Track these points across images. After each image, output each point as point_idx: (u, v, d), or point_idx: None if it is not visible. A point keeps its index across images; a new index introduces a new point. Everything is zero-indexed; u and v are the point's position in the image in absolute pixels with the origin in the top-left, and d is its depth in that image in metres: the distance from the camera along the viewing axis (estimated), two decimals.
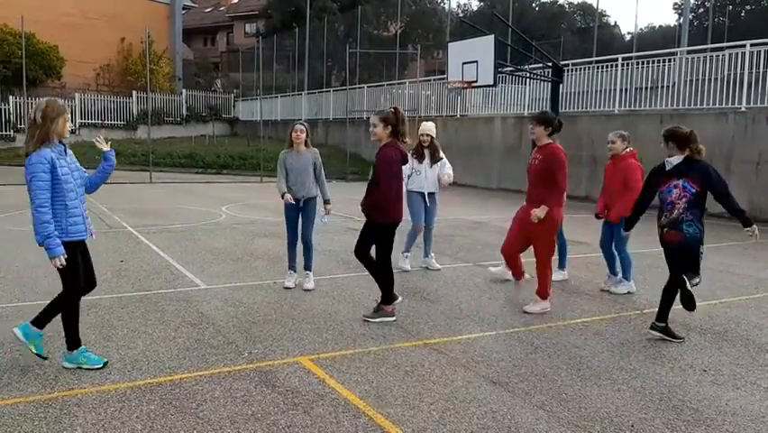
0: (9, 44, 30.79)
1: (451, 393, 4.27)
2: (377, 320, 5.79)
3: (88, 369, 4.48)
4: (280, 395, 4.17)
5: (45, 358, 4.57)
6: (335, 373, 4.56)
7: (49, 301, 4.62)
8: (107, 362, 4.61)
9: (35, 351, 4.51)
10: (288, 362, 4.78)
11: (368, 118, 6.69)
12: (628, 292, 7.15)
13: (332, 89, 32.45)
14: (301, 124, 7.07)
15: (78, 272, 4.51)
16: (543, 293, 6.36)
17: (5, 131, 29.59)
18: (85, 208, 4.59)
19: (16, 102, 29.36)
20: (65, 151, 4.50)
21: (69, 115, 4.55)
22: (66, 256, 4.34)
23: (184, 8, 44.47)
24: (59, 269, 4.38)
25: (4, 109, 29.73)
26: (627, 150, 7.12)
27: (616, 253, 7.21)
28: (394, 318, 5.84)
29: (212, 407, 3.97)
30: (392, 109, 5.82)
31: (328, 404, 4.04)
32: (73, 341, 4.59)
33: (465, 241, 10.58)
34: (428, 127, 8.18)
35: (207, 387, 4.27)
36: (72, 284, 4.51)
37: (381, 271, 5.88)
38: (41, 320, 4.55)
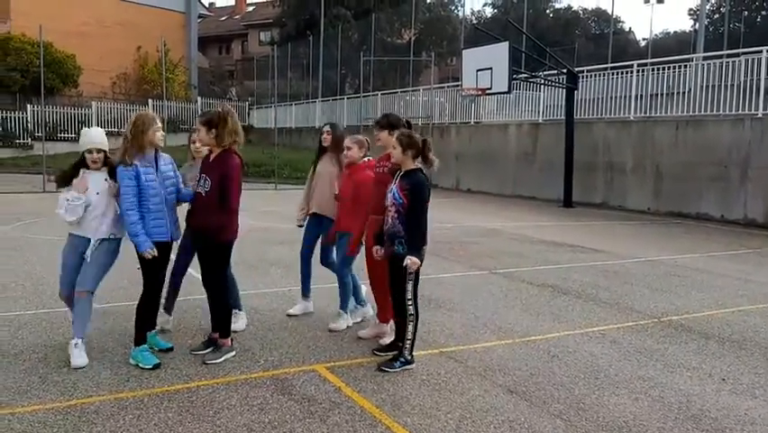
0: (27, 53, 31.19)
1: (467, 402, 4.26)
2: (221, 360, 4.90)
3: (143, 368, 4.70)
4: (297, 403, 4.17)
5: (170, 349, 5.07)
6: (351, 382, 4.55)
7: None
8: (159, 363, 4.78)
9: (158, 348, 5.01)
10: (304, 369, 4.78)
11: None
12: (348, 327, 5.82)
13: (345, 97, 32.53)
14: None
15: (158, 272, 4.87)
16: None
17: (24, 139, 29.92)
18: (174, 213, 5.00)
19: (34, 110, 29.66)
20: (155, 159, 4.85)
21: (159, 124, 4.89)
22: (153, 249, 4.70)
23: (199, 17, 44.82)
24: (143, 268, 4.79)
25: (22, 118, 30.06)
26: (366, 159, 5.82)
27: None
28: (234, 352, 5.07)
29: (229, 415, 3.98)
30: (219, 108, 4.99)
31: (344, 412, 4.04)
32: (139, 338, 4.87)
33: (480, 248, 10.55)
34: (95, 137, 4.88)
35: (224, 394, 4.28)
36: (151, 282, 4.85)
37: (227, 298, 5.16)
38: (151, 321, 5.04)
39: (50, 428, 3.73)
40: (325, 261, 6.23)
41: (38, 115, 28.60)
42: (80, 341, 4.76)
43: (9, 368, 4.65)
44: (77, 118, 31.26)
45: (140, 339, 4.84)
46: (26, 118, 30.05)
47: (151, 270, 4.82)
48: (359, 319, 6.01)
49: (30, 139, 29.75)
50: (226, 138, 4.86)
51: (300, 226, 6.40)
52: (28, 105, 30.10)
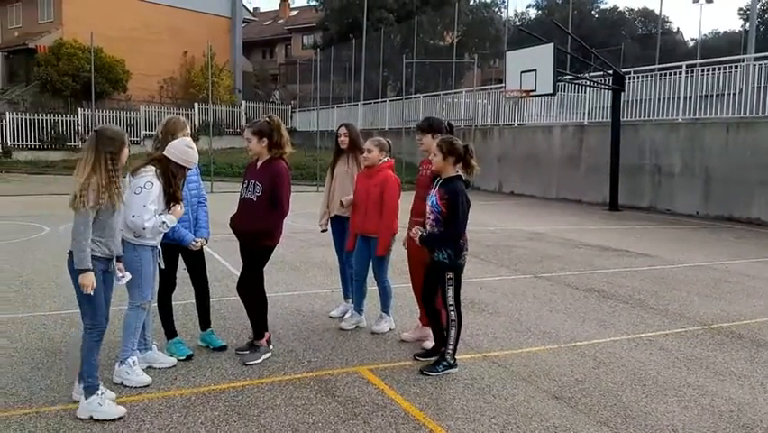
0: (78, 59, 32.09)
1: (512, 407, 4.22)
2: (260, 360, 4.97)
3: (178, 358, 4.93)
4: (340, 404, 4.19)
5: (224, 347, 5.22)
6: (394, 384, 4.55)
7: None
8: (192, 355, 5.01)
9: (213, 346, 5.23)
10: (348, 371, 4.80)
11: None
12: (390, 330, 5.85)
13: (387, 99, 32.59)
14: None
15: (170, 273, 5.00)
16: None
17: (74, 142, 30.74)
18: (200, 218, 5.13)
19: (84, 114, 30.48)
20: None
21: (188, 130, 4.94)
22: (197, 241, 4.98)
23: (244, 21, 45.48)
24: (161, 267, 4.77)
25: (73, 121, 30.90)
26: (385, 160, 5.74)
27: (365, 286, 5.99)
28: (270, 352, 5.14)
29: (273, 414, 4.01)
30: (267, 119, 5.04)
31: (388, 415, 4.04)
32: (168, 331, 5.11)
33: (524, 252, 10.45)
34: None
35: (269, 394, 4.33)
36: (161, 282, 4.94)
37: (264, 302, 5.19)
38: (204, 321, 5.32)
39: (101, 425, 3.82)
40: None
41: (88, 118, 29.39)
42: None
43: (62, 366, 4.78)
44: (125, 122, 31.99)
45: (170, 333, 5.10)
46: (77, 121, 30.89)
47: (171, 269, 4.98)
48: (352, 327, 5.89)
49: (80, 142, 30.49)
50: (286, 148, 5.01)
51: (324, 231, 6.41)
52: (79, 109, 30.96)
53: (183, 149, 4.54)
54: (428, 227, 4.85)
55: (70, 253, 3.95)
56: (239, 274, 5.19)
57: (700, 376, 4.89)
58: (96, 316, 3.99)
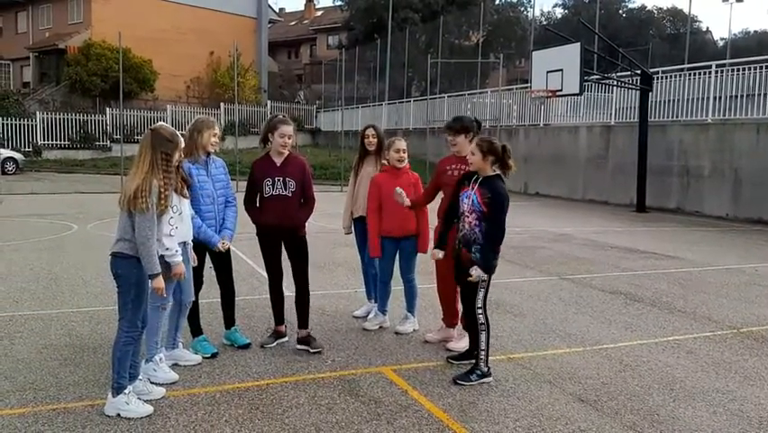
0: (107, 59, 32.55)
1: (536, 410, 4.18)
2: (317, 348, 5.18)
3: (204, 357, 4.97)
4: (364, 404, 4.18)
5: (248, 345, 5.26)
6: (418, 385, 4.54)
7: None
8: (216, 353, 5.04)
9: (238, 344, 5.25)
10: (371, 371, 4.80)
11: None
12: (414, 330, 5.83)
13: (412, 99, 32.55)
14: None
15: (197, 272, 4.97)
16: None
17: (103, 141, 31.19)
18: (227, 218, 5.12)
19: (113, 114, 30.90)
20: (206, 162, 5.00)
21: (217, 130, 5.00)
22: (224, 242, 4.98)
23: (270, 22, 45.75)
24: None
25: (102, 121, 31.34)
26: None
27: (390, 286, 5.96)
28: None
29: (297, 413, 4.02)
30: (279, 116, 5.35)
31: (411, 416, 4.03)
32: (193, 329, 5.15)
33: (549, 253, 10.37)
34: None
35: (292, 393, 4.34)
36: (198, 280, 4.98)
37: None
38: (228, 320, 5.36)
39: (127, 421, 3.86)
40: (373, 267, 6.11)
41: (116, 118, 29.79)
42: None
43: (89, 362, 4.84)
44: (153, 121, 32.31)
45: (195, 331, 5.15)
46: (105, 121, 31.35)
47: (198, 267, 4.99)
48: (376, 327, 5.88)
49: (108, 141, 31.02)
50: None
51: (348, 234, 6.39)
52: (107, 109, 31.42)
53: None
54: (467, 226, 4.71)
55: (114, 255, 3.99)
56: (292, 270, 5.30)
57: (729, 381, 4.81)
58: (135, 319, 4.01)
